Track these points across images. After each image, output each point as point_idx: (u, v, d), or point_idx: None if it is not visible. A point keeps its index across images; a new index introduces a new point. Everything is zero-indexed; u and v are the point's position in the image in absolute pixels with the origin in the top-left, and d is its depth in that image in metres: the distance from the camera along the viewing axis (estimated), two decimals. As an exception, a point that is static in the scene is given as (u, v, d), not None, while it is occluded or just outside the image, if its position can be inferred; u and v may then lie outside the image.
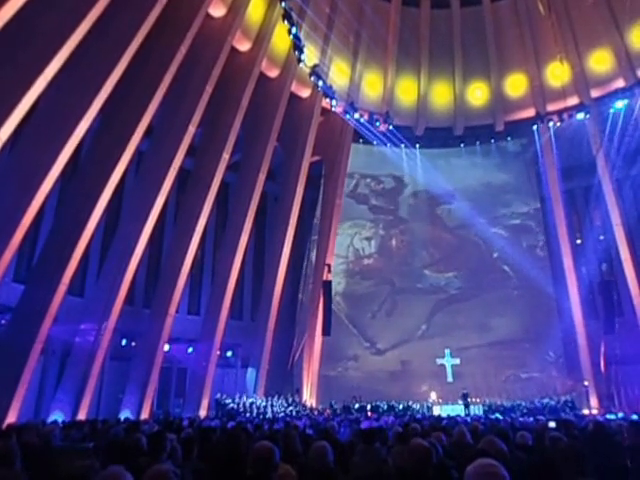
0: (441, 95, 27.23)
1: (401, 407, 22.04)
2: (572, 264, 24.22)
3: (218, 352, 20.86)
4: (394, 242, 27.70)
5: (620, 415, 17.91)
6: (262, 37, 21.43)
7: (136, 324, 19.27)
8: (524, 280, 25.27)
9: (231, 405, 20.12)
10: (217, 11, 19.60)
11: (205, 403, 19.72)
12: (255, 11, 21.18)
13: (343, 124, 25.53)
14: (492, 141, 27.32)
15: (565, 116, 24.81)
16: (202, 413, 19.08)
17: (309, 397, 23.64)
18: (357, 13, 23.85)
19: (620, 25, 22.86)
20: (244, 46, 21.29)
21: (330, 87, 23.80)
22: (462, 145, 27.44)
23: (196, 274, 23.54)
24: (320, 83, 23.33)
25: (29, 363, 14.27)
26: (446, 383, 23.70)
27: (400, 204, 28.02)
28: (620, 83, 23.57)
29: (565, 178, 25.16)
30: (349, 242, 27.25)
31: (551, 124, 25.24)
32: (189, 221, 19.74)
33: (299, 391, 23.50)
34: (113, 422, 11.27)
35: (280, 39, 22.07)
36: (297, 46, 21.82)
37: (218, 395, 20.60)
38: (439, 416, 17.72)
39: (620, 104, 23.33)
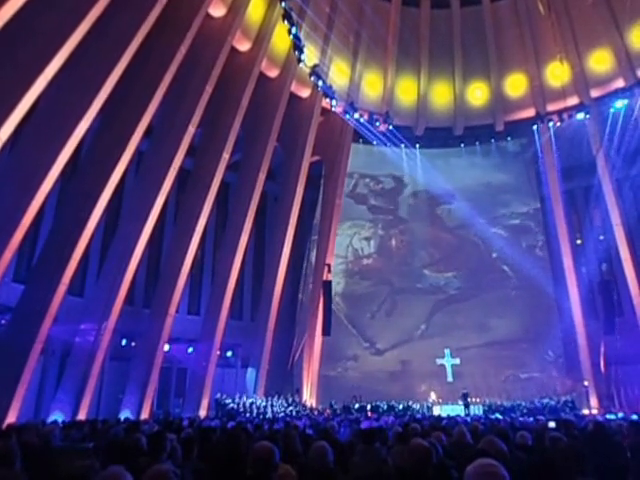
0: (441, 95, 27.23)
1: (401, 407, 22.04)
2: (572, 264, 24.22)
3: (218, 352, 20.86)
4: (393, 242, 27.71)
5: (620, 415, 17.91)
6: (262, 37, 21.43)
7: (136, 324, 19.27)
8: (523, 280, 25.27)
9: (231, 405, 20.12)
10: (217, 11, 19.60)
11: (205, 403, 19.72)
12: (255, 11, 21.18)
13: (343, 124, 25.54)
14: (492, 141, 27.33)
15: (565, 116, 24.81)
16: (202, 413, 19.08)
17: (309, 397, 23.65)
18: (357, 13, 23.85)
19: (620, 25, 22.86)
20: (244, 46, 21.29)
21: (330, 87, 23.80)
22: (462, 145, 27.44)
23: (196, 274, 23.54)
24: (320, 83, 23.33)
25: (29, 363, 14.27)
26: (446, 383, 23.71)
27: (399, 204, 28.02)
28: (620, 83, 23.57)
29: (565, 178, 25.15)
30: (348, 242, 27.25)
31: (551, 124, 25.24)
32: (189, 221, 19.74)
33: (299, 391, 23.50)
34: (113, 422, 11.27)
35: (280, 39, 22.07)
36: (297, 46, 21.82)
37: (218, 395, 20.60)
38: (439, 416, 17.72)
39: (620, 104, 23.32)
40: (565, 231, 24.60)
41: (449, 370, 23.92)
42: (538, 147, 25.88)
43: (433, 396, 23.20)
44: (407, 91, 27.16)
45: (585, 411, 21.23)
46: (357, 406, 21.99)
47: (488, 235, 26.60)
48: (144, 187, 18.50)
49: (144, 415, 17.65)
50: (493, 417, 16.43)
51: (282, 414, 19.67)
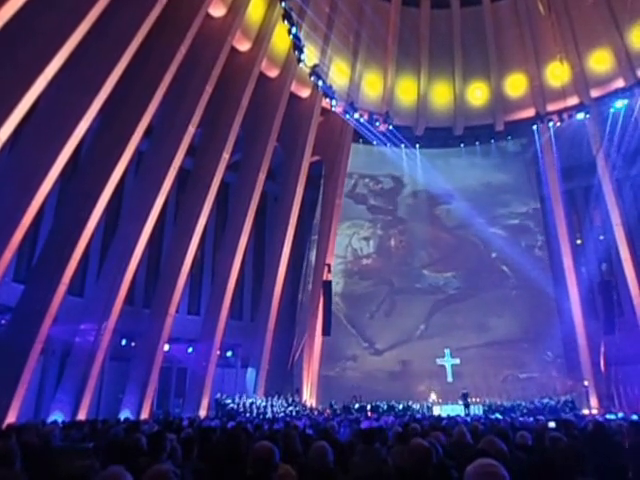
0: (441, 95, 27.23)
1: (401, 407, 22.03)
2: (572, 264, 24.22)
3: (218, 352, 20.86)
4: (393, 242, 27.71)
5: (620, 415, 17.91)
6: (262, 37, 21.43)
7: (136, 324, 19.27)
8: (523, 280, 25.27)
9: (231, 405, 20.12)
10: (217, 11, 19.60)
11: (205, 403, 19.72)
12: (255, 11, 21.18)
13: (343, 124, 25.54)
14: (492, 141, 27.32)
15: (565, 116, 24.82)
16: (202, 413, 19.08)
17: (309, 397, 23.65)
18: (357, 13, 23.85)
19: (620, 25, 22.86)
20: (244, 46, 21.29)
21: (330, 87, 23.81)
22: (462, 145, 27.44)
23: (196, 274, 23.54)
24: (320, 83, 23.33)
25: (29, 363, 14.27)
26: (446, 383, 23.69)
27: (399, 204, 28.01)
28: (620, 83, 23.57)
29: (565, 178, 25.16)
30: (347, 242, 27.24)
31: (551, 124, 25.24)
32: (189, 221, 19.74)
33: (299, 391, 23.50)
34: (113, 422, 11.26)
35: (280, 39, 22.07)
36: (297, 46, 21.82)
37: (218, 395, 20.60)
38: (439, 416, 17.71)
39: (620, 104, 23.33)
40: (565, 231, 24.60)
41: (449, 370, 23.90)
42: (538, 147, 25.88)
43: (433, 396, 23.20)
44: (407, 91, 27.16)
45: (585, 411, 21.23)
46: (357, 406, 21.99)
47: (487, 235, 26.60)
48: (144, 187, 18.50)
49: (144, 415, 17.65)
50: (493, 417, 16.42)
51: (282, 414, 19.67)
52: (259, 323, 22.87)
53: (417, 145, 27.38)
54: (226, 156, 20.22)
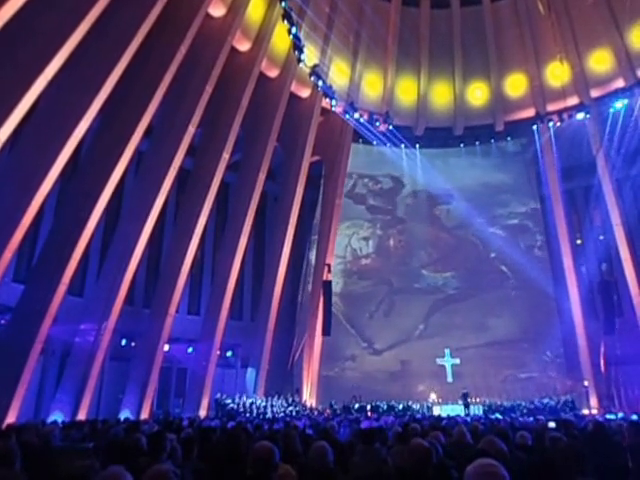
0: (441, 95, 27.23)
1: (401, 407, 22.03)
2: (572, 264, 24.22)
3: (218, 352, 20.87)
4: (392, 242, 27.70)
5: (620, 415, 17.91)
6: (262, 37, 21.43)
7: (136, 324, 19.27)
8: (522, 280, 25.27)
9: (231, 405, 20.12)
10: (217, 11, 19.60)
11: (205, 403, 19.73)
12: (255, 11, 21.18)
13: (343, 124, 25.53)
14: (492, 141, 27.32)
15: (565, 116, 24.81)
16: (202, 413, 19.08)
17: (309, 397, 23.64)
18: (357, 13, 23.85)
19: (620, 25, 22.86)
20: (244, 46, 21.29)
21: (330, 87, 23.80)
22: (462, 145, 27.44)
23: (196, 274, 23.54)
24: (320, 83, 23.33)
25: (29, 363, 14.28)
26: (446, 383, 23.69)
27: (398, 204, 28.01)
28: (620, 83, 23.57)
29: (565, 178, 25.16)
30: (347, 242, 27.24)
31: (551, 124, 25.24)
32: (189, 221, 19.74)
33: (299, 391, 23.50)
34: (113, 422, 11.26)
35: (280, 39, 22.07)
36: (297, 46, 21.81)
37: (218, 395, 20.59)
38: (439, 416, 17.71)
39: (620, 104, 23.33)
40: (565, 231, 24.60)
41: (449, 370, 23.90)
42: (538, 147, 25.87)
43: (433, 396, 23.20)
44: (407, 91, 27.16)
45: (585, 411, 21.23)
46: (357, 406, 21.98)
47: (486, 235, 26.61)
48: (144, 187, 18.50)
49: (144, 415, 17.66)
50: (493, 417, 16.42)
51: (282, 414, 19.67)
52: (259, 323, 22.87)
53: (417, 145, 27.37)
54: (226, 156, 20.22)
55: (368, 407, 21.82)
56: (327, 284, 23.54)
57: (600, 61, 24.02)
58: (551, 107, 25.49)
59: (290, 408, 21.04)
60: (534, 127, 25.94)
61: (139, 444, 4.38)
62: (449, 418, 13.84)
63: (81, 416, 15.82)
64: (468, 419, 13.67)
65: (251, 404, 20.37)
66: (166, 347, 19.23)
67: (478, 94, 26.96)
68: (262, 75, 21.94)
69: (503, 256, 26.20)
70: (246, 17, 20.39)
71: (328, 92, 23.72)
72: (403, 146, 26.84)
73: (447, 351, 24.02)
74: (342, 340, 25.19)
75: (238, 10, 19.79)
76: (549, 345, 24.25)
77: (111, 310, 16.93)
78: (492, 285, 25.92)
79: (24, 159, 14.37)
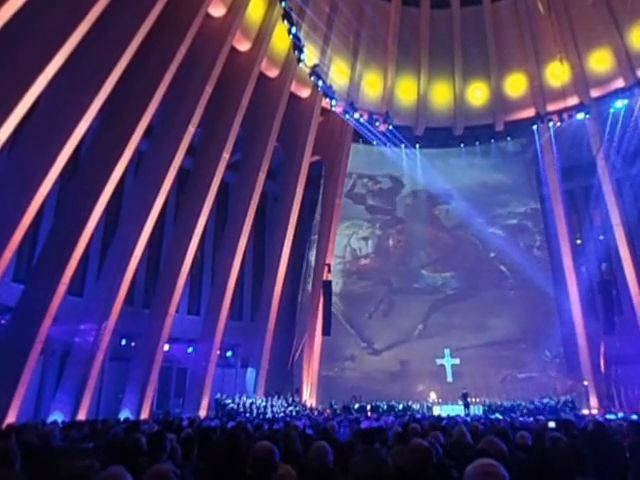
0: (441, 95, 27.22)
1: (401, 407, 22.03)
2: (572, 264, 24.23)
3: (218, 352, 20.86)
4: (391, 242, 27.70)
5: (620, 415, 17.92)
6: (262, 37, 21.43)
7: (136, 324, 19.28)
8: (521, 280, 25.27)
9: (231, 405, 20.11)
10: (217, 11, 19.60)
11: (205, 403, 19.73)
12: (255, 11, 21.18)
13: (343, 124, 25.53)
14: (492, 141, 27.31)
15: (565, 116, 24.81)
16: (202, 413, 19.08)
17: (309, 397, 23.65)
18: (357, 13, 23.85)
19: (620, 25, 22.86)
20: (244, 46, 21.29)
21: (330, 87, 23.80)
22: (462, 145, 27.42)
23: (196, 274, 23.55)
24: (320, 83, 23.32)
25: (29, 363, 14.27)
26: (446, 383, 23.69)
27: (397, 204, 28.00)
28: (620, 83, 23.57)
29: (565, 178, 25.16)
30: (346, 242, 27.24)
31: (551, 124, 25.24)
32: (189, 221, 19.74)
33: (299, 391, 23.50)
34: (113, 422, 11.26)
35: (280, 39, 22.07)
36: (297, 46, 21.81)
37: (218, 395, 20.59)
38: (439, 416, 17.71)
39: (620, 104, 23.32)
40: (565, 231, 24.60)
41: (449, 370, 23.91)
42: (538, 147, 25.87)
43: (433, 396, 23.20)
44: (407, 91, 27.15)
45: (585, 411, 21.24)
46: (357, 406, 21.99)
47: (486, 235, 26.61)
48: (144, 187, 18.50)
49: (144, 415, 17.66)
50: (493, 417, 16.41)
51: (282, 414, 19.67)
52: (259, 323, 22.87)
53: (417, 145, 27.37)
54: (226, 156, 20.22)
55: (368, 407, 21.82)
56: (327, 284, 23.54)
57: (600, 61, 24.02)
58: (551, 107, 25.49)
59: (290, 408, 21.04)
60: (534, 127, 25.93)
61: (139, 444, 4.38)
62: (449, 418, 13.84)
63: (81, 416, 15.82)
64: (468, 419, 13.67)
65: (251, 404, 20.37)
66: (166, 347, 19.23)
67: (478, 94, 26.96)
68: (262, 75, 21.94)
69: (502, 256, 26.21)
70: (246, 17, 20.39)
71: (328, 92, 23.72)
72: (403, 146, 26.83)
73: (447, 351, 24.02)
74: (341, 340, 25.18)
75: (238, 10, 19.79)
76: (549, 345, 24.25)
77: (111, 310, 16.93)
78: (491, 285, 25.92)
79: (24, 159, 14.37)
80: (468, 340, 24.38)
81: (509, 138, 27.37)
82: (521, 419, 12.49)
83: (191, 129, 18.57)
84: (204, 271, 24.54)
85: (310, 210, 26.74)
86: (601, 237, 24.38)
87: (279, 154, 24.13)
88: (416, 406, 22.20)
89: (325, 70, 23.91)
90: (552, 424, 9.22)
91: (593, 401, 22.20)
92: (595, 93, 24.34)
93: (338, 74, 24.95)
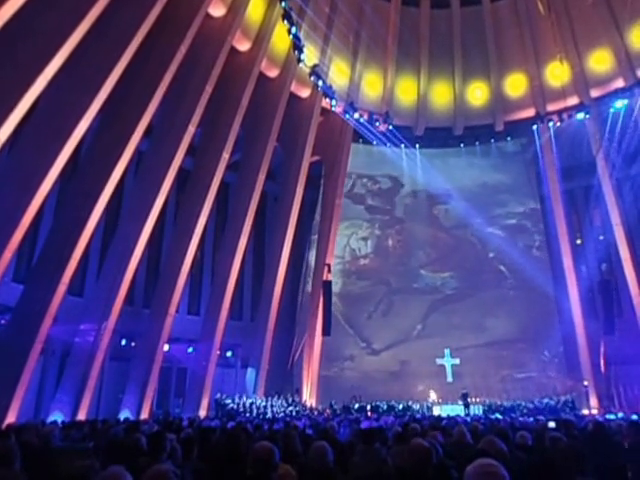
0: (441, 95, 27.22)
1: (401, 407, 22.03)
2: (572, 264, 24.23)
3: (218, 352, 20.86)
4: (390, 242, 27.69)
5: (620, 415, 17.91)
6: (262, 37, 21.43)
7: (136, 324, 19.27)
8: (520, 280, 25.26)
9: (231, 405, 20.12)
10: (217, 11, 19.60)
11: (205, 403, 19.73)
12: (255, 11, 21.18)
13: (343, 124, 25.53)
14: (492, 141, 27.31)
15: (565, 116, 24.81)
16: (202, 413, 19.08)
17: (309, 397, 23.65)
18: (357, 13, 23.85)
19: (620, 25, 22.87)
20: (244, 46, 21.29)
21: (330, 87, 23.80)
22: (462, 145, 27.42)
23: (196, 274, 23.55)
24: (320, 83, 23.32)
25: (29, 363, 14.27)
26: (445, 383, 23.69)
27: (396, 204, 28.00)
28: (620, 83, 23.57)
29: (565, 178, 25.16)
30: (345, 242, 27.23)
31: (551, 124, 25.24)
32: (189, 221, 19.74)
33: (299, 391, 23.50)
34: (113, 422, 11.26)
35: (280, 39, 22.07)
36: (297, 46, 21.81)
37: (218, 395, 20.59)
38: (439, 416, 17.71)
39: (620, 104, 23.32)
40: (565, 231, 24.60)
41: (449, 370, 23.91)
42: (538, 147, 25.86)
43: (433, 396, 23.20)
44: (407, 91, 27.15)
45: (585, 411, 21.23)
46: (357, 406, 21.99)
47: (485, 235, 26.60)
48: (144, 187, 18.50)
49: (144, 415, 17.65)
50: (493, 417, 16.42)
51: (282, 414, 19.67)
52: (259, 323, 22.87)
53: (417, 145, 27.37)
54: (226, 156, 20.22)
55: (368, 407, 21.82)
56: (327, 284, 23.53)
57: (600, 61, 24.02)
58: (551, 107, 25.49)
59: (290, 408, 21.04)
60: (534, 127, 25.93)
61: (139, 444, 4.38)
62: (449, 418, 13.84)
63: (81, 416, 15.82)
64: (468, 419, 13.68)
65: (251, 404, 20.37)
66: (166, 347, 19.24)
67: (478, 94, 26.96)
68: (262, 75, 21.94)
69: (502, 256, 26.21)
70: (246, 17, 20.39)
71: (328, 92, 23.72)
72: (403, 146, 26.83)
73: (447, 351, 24.01)
74: (340, 340, 25.17)
75: (238, 10, 19.78)
76: (549, 345, 24.25)
77: (111, 310, 16.93)
78: (491, 285, 25.92)
79: (24, 159, 14.36)
80: (468, 340, 24.37)
81: (509, 138, 27.37)
82: (521, 419, 12.49)
83: (191, 129, 18.57)
84: (204, 271, 24.54)
85: (310, 210, 26.74)
86: (601, 237, 24.39)
87: (279, 154, 24.13)
88: (416, 406, 22.20)
89: (325, 70, 23.91)
90: (552, 424, 9.22)
91: (593, 401, 22.20)
92: (595, 93, 24.34)
93: (338, 74, 24.96)
